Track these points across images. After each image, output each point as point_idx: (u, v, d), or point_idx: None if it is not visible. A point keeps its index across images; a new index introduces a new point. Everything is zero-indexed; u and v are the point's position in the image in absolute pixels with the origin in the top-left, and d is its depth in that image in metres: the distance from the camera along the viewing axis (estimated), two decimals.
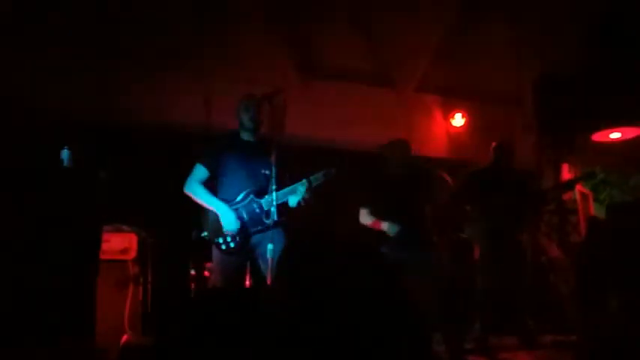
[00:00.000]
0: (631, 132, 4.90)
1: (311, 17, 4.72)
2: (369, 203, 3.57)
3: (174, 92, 4.52)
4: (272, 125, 3.37)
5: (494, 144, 3.99)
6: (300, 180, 2.92)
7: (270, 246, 2.73)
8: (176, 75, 4.54)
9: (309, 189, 2.88)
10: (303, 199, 2.90)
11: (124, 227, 3.51)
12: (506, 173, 3.88)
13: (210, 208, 2.91)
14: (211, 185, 3.01)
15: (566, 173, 5.48)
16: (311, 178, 2.91)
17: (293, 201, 2.95)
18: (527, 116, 5.65)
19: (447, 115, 5.70)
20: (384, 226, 3.41)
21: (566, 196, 4.87)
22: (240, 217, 2.89)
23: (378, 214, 3.50)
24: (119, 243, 3.44)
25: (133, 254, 3.48)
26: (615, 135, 4.96)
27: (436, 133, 5.62)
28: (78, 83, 4.23)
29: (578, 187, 5.13)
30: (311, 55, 5.07)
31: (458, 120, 5.63)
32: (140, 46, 4.37)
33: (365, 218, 3.56)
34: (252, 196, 2.92)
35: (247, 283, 3.23)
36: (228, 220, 2.85)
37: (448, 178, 3.75)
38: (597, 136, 5.00)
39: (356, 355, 1.73)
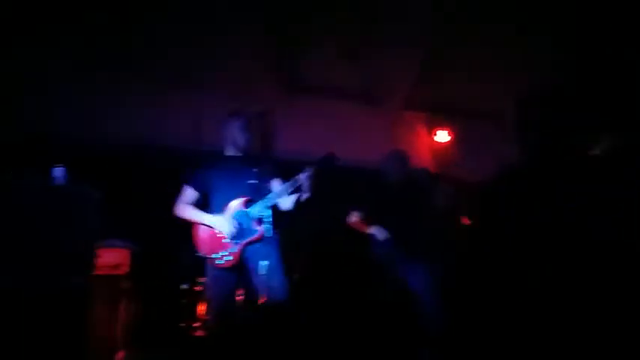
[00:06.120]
0: None
1: (299, 37, 4.83)
2: (362, 207, 3.63)
3: (163, 112, 4.59)
4: (260, 141, 3.42)
5: None
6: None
7: (263, 262, 2.74)
8: (164, 95, 4.61)
9: (291, 191, 2.88)
10: (297, 201, 2.92)
11: (117, 243, 3.57)
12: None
13: (203, 222, 2.90)
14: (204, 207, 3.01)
15: None
16: (290, 181, 2.88)
17: (285, 205, 2.98)
18: (507, 130, 5.81)
19: (431, 130, 5.85)
20: (373, 230, 3.49)
21: None
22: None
23: (370, 218, 3.56)
24: (112, 258, 3.51)
25: (125, 269, 3.55)
26: None
27: (420, 149, 5.76)
28: (65, 102, 4.29)
29: None
30: (298, 73, 5.18)
31: (442, 136, 5.78)
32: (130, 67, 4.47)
33: (354, 220, 3.62)
34: (239, 207, 2.89)
35: (240, 297, 3.27)
36: (223, 225, 2.83)
37: (450, 188, 3.84)
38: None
39: None
